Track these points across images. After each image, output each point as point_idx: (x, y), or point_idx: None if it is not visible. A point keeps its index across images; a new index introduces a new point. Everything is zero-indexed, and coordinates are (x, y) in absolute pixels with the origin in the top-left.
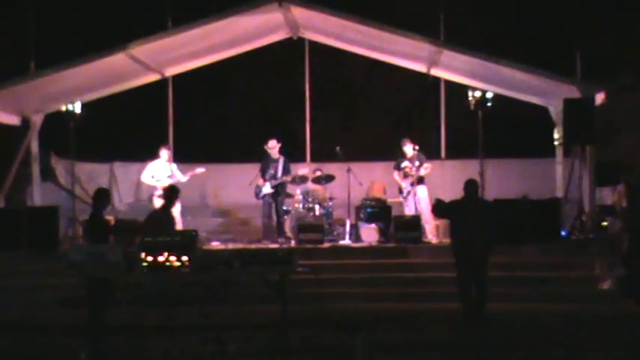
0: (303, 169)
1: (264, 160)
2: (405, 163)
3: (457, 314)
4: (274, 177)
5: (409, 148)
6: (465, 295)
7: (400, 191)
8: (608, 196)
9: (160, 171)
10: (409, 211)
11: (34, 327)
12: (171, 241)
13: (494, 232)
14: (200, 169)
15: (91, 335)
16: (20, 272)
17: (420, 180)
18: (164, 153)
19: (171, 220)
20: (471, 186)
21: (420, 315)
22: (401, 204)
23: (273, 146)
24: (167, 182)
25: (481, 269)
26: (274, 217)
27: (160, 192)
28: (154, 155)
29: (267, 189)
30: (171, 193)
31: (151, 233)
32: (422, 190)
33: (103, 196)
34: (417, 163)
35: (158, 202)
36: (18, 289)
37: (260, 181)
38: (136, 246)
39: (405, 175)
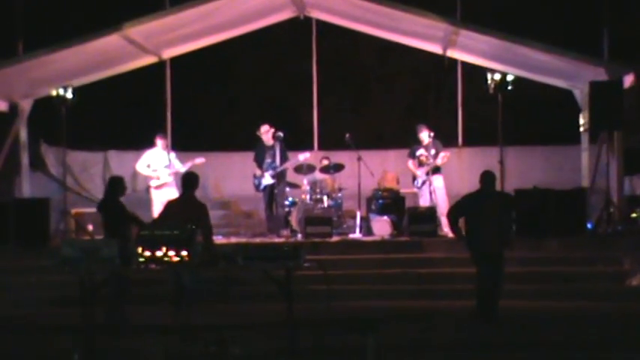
0: (303, 155)
1: (257, 147)
2: (421, 151)
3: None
4: (272, 166)
5: (425, 135)
6: (483, 292)
7: (414, 181)
8: (637, 185)
9: (157, 160)
10: (424, 202)
11: (24, 326)
12: (170, 235)
13: (510, 227)
14: (200, 159)
15: (85, 334)
16: (8, 269)
17: (436, 169)
18: (162, 141)
19: (202, 209)
20: (487, 178)
21: (436, 313)
22: (415, 195)
23: (266, 131)
24: (164, 172)
25: (497, 265)
26: (277, 209)
27: (156, 182)
28: (151, 143)
29: (267, 180)
30: (194, 179)
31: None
32: (438, 180)
33: (116, 184)
34: (432, 152)
35: (155, 194)
36: (5, 286)
37: (258, 172)
38: (133, 240)
39: (420, 164)
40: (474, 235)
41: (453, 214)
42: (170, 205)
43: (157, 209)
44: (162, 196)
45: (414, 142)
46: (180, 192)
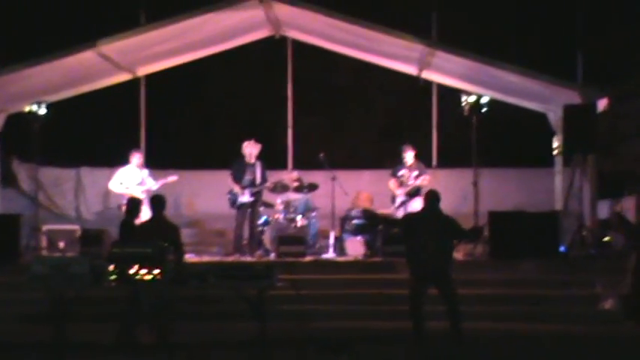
0: (289, 175)
1: (237, 163)
2: (403, 172)
3: (442, 333)
4: (253, 184)
5: (410, 156)
6: (415, 313)
7: (393, 200)
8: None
9: (130, 177)
10: None
11: None
12: (142, 253)
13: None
14: (172, 177)
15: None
16: None
17: (416, 192)
18: (135, 158)
19: (174, 229)
20: (430, 197)
21: (409, 334)
22: (390, 215)
23: (250, 146)
24: (137, 190)
25: (444, 286)
26: (247, 229)
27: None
28: (124, 161)
29: (245, 197)
30: (163, 201)
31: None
32: (416, 203)
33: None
34: (415, 173)
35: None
36: None
37: (235, 188)
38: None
39: (401, 184)
40: (412, 255)
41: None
42: (143, 227)
43: None
44: None
45: (398, 162)
46: (151, 214)
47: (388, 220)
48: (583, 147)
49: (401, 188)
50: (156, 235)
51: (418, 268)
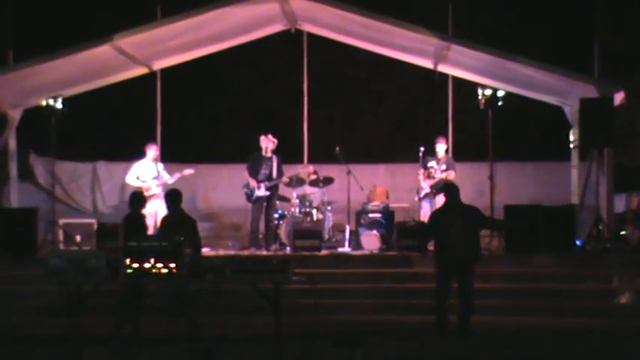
0: (306, 169)
1: (253, 157)
2: (432, 164)
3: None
4: (269, 178)
5: (441, 148)
6: (441, 308)
7: (418, 192)
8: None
9: (146, 171)
10: (424, 214)
11: (10, 337)
12: (159, 247)
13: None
14: (188, 171)
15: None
16: None
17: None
18: (152, 151)
19: (192, 223)
20: (450, 191)
21: (424, 328)
22: (405, 209)
23: (271, 141)
24: (153, 184)
25: (466, 279)
26: (263, 223)
27: (145, 194)
28: (140, 154)
29: (261, 191)
30: (180, 194)
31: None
32: (440, 197)
33: (135, 200)
34: (443, 167)
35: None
36: None
37: (252, 182)
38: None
39: (429, 176)
40: (441, 249)
41: (421, 231)
42: (167, 221)
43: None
44: (151, 207)
45: (429, 153)
46: (171, 208)
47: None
48: (599, 140)
49: (427, 180)
50: (176, 229)
51: (447, 261)
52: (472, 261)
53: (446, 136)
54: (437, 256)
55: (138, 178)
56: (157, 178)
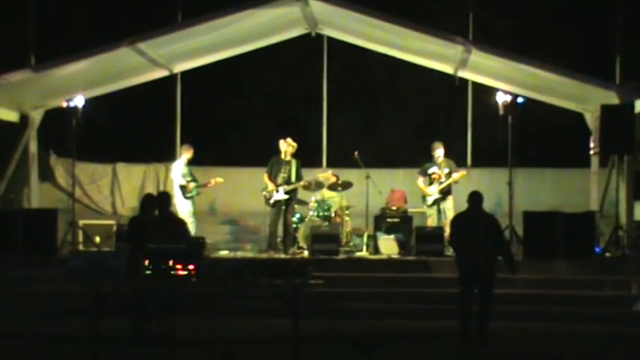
0: (325, 173)
1: (273, 160)
2: (433, 169)
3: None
4: (288, 181)
5: (440, 153)
6: (464, 313)
7: (424, 199)
8: None
9: (186, 172)
10: (432, 221)
11: (30, 337)
12: (177, 249)
13: (499, 246)
14: (219, 179)
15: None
16: (15, 278)
17: (448, 191)
18: (189, 152)
19: (181, 223)
20: (474, 198)
21: (442, 333)
22: (423, 214)
23: (290, 144)
24: (192, 185)
25: (486, 285)
26: (281, 226)
27: (188, 194)
28: (160, 157)
29: (280, 195)
30: (168, 198)
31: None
32: (448, 201)
33: (147, 202)
34: (446, 171)
35: (183, 204)
36: (12, 295)
37: (270, 185)
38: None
39: (431, 182)
40: (462, 254)
41: (450, 240)
42: (153, 224)
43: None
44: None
45: (426, 160)
46: (162, 210)
47: None
48: (620, 148)
49: (431, 187)
50: (164, 231)
51: (468, 266)
52: (492, 268)
53: (442, 140)
54: (458, 262)
55: (183, 177)
56: (193, 180)
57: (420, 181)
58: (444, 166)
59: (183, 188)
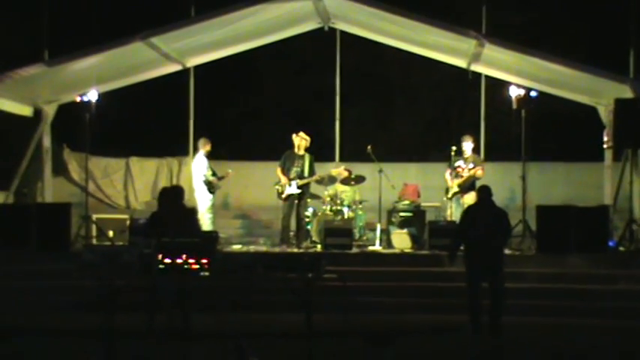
0: (338, 168)
1: (286, 155)
2: (459, 163)
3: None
4: (301, 176)
5: (468, 147)
6: (473, 307)
7: (446, 192)
8: None
9: (209, 165)
10: (450, 213)
11: (43, 331)
12: (191, 243)
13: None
14: (229, 171)
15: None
16: (29, 272)
17: (471, 186)
18: (208, 146)
19: (192, 213)
20: (482, 192)
21: (455, 327)
22: (436, 208)
23: (303, 139)
24: (213, 178)
25: (495, 279)
26: (294, 220)
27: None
28: (173, 151)
29: (292, 189)
30: (181, 192)
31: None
32: (469, 197)
33: (165, 195)
34: (471, 165)
35: (204, 199)
36: (26, 289)
37: (283, 179)
38: (153, 247)
39: (457, 176)
40: (470, 248)
41: (455, 234)
42: (169, 216)
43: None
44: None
45: (456, 153)
46: (175, 204)
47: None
48: (634, 141)
49: (455, 180)
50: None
51: (476, 260)
52: (499, 261)
53: (473, 134)
54: (466, 255)
55: (208, 170)
56: (214, 174)
57: (447, 173)
58: (470, 160)
59: (209, 183)
